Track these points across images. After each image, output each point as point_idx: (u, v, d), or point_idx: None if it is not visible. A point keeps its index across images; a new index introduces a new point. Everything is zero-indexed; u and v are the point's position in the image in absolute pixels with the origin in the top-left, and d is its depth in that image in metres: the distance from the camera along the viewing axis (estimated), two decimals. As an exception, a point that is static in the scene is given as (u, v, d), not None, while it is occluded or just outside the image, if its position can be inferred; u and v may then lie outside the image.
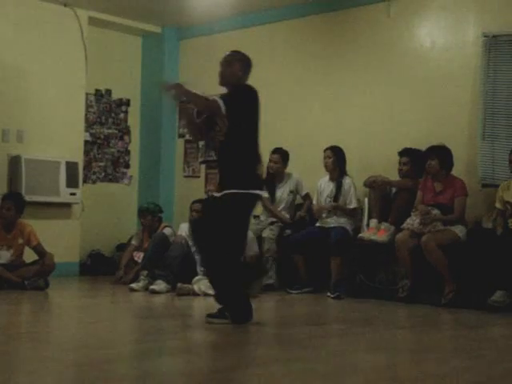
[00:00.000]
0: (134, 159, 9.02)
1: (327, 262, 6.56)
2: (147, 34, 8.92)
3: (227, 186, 4.56)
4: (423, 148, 6.47)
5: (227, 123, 4.54)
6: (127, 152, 8.99)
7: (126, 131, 8.99)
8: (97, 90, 8.70)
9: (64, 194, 7.86)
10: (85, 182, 8.40)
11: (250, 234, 6.82)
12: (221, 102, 4.57)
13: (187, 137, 8.83)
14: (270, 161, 7.22)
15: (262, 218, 7.29)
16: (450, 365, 3.65)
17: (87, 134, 8.53)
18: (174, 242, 6.90)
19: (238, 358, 3.73)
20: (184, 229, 7.13)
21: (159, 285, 6.52)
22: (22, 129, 7.70)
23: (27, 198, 7.14)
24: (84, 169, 8.33)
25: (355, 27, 7.44)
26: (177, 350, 3.91)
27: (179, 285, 6.39)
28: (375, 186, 6.60)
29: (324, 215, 6.85)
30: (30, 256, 6.89)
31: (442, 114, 6.80)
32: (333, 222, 6.79)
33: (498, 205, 5.98)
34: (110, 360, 3.53)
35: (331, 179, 6.94)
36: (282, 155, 7.23)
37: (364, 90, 7.35)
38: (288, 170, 7.33)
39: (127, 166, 8.98)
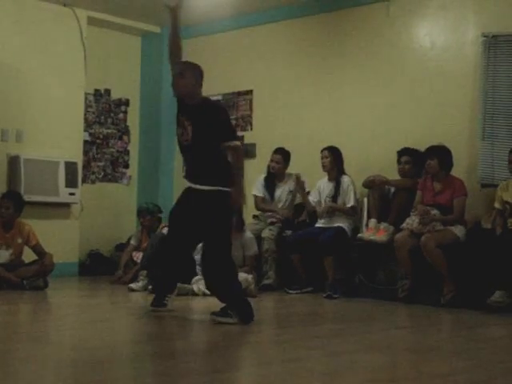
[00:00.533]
0: (133, 159, 9.01)
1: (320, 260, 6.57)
2: (146, 33, 8.92)
3: (211, 181, 4.80)
4: (422, 148, 6.47)
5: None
6: (126, 152, 8.98)
7: (125, 131, 8.98)
8: (96, 90, 8.70)
9: (63, 194, 7.86)
10: (84, 181, 8.39)
11: (250, 234, 6.83)
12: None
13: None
14: (272, 160, 7.24)
15: (261, 218, 7.29)
16: (450, 365, 3.65)
17: (86, 133, 8.52)
18: (173, 242, 6.89)
19: (238, 359, 3.73)
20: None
21: (158, 285, 6.51)
22: (21, 129, 7.69)
23: (26, 197, 7.13)
24: (83, 169, 8.33)
25: (354, 27, 7.44)
26: (176, 350, 3.91)
27: (178, 285, 6.36)
28: (374, 185, 6.60)
29: (325, 215, 6.84)
30: (29, 256, 6.88)
31: (441, 114, 6.79)
32: (331, 222, 6.79)
33: (497, 205, 5.98)
34: (109, 360, 3.53)
35: (330, 179, 6.94)
36: (283, 155, 7.24)
37: (363, 89, 7.35)
38: (288, 170, 7.33)
39: (126, 165, 8.97)
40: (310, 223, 7.03)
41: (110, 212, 8.71)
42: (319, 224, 6.86)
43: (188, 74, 5.00)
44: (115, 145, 8.89)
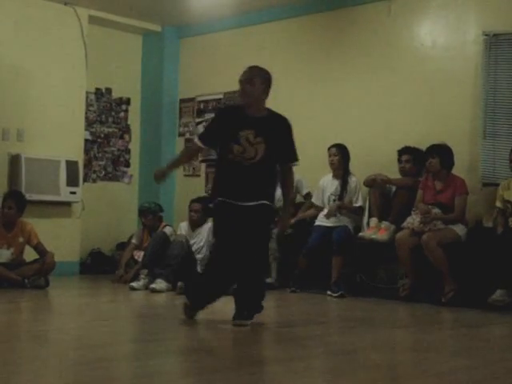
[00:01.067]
0: (135, 158, 9.01)
1: (328, 261, 6.55)
2: (147, 32, 8.91)
3: (262, 197, 4.54)
4: (423, 147, 6.47)
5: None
6: (127, 151, 8.98)
7: (126, 130, 8.98)
8: (97, 89, 8.70)
9: (64, 193, 7.86)
10: (85, 180, 8.39)
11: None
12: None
13: (187, 135, 8.84)
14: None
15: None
16: (450, 364, 3.65)
17: (87, 132, 8.52)
18: (174, 241, 6.90)
19: (240, 357, 3.73)
20: (184, 228, 7.13)
21: (159, 284, 6.52)
22: (22, 127, 7.69)
23: (27, 196, 7.13)
24: (84, 168, 8.33)
25: (356, 26, 7.43)
26: (177, 349, 3.91)
27: (179, 284, 6.39)
28: (375, 184, 6.60)
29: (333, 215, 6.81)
30: (30, 255, 6.88)
31: (442, 112, 6.79)
32: (335, 220, 6.77)
33: (498, 204, 5.97)
34: (110, 359, 3.53)
35: (335, 177, 6.92)
36: None
37: (364, 88, 7.34)
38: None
39: (127, 164, 8.97)
40: (310, 222, 7.02)
41: (111, 211, 8.71)
42: (324, 223, 6.80)
43: (257, 81, 4.55)
44: (116, 144, 8.89)
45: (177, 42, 8.97)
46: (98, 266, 8.25)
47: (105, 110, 8.79)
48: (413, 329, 4.99)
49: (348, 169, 6.90)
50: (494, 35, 6.45)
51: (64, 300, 6.31)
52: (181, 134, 8.91)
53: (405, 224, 6.21)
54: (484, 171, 6.44)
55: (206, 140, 4.67)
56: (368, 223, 6.57)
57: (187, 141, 8.82)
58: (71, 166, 7.90)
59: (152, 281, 6.62)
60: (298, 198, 7.33)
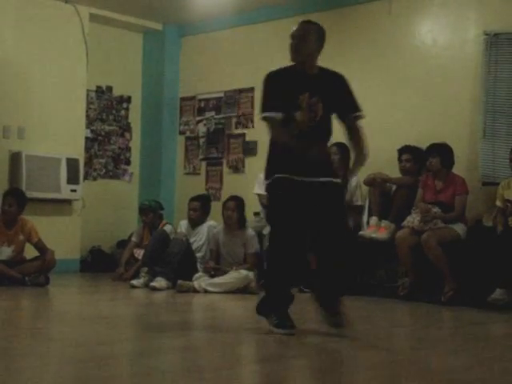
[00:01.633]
0: (135, 156, 9.02)
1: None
2: (148, 30, 8.92)
3: (332, 173, 4.28)
4: (423, 146, 6.47)
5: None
6: (128, 149, 8.99)
7: (127, 128, 8.99)
8: (98, 87, 8.70)
9: (65, 191, 7.87)
10: (85, 178, 8.40)
11: (251, 232, 6.83)
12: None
13: (188, 134, 8.84)
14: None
15: (263, 215, 7.29)
16: (450, 363, 3.65)
17: (88, 130, 8.53)
18: (174, 239, 6.91)
19: (238, 356, 3.74)
20: (184, 226, 7.14)
21: (159, 282, 6.53)
22: (22, 125, 7.70)
23: (28, 194, 7.14)
24: (85, 165, 8.34)
25: (356, 25, 7.44)
26: (177, 347, 3.92)
27: (179, 282, 6.40)
28: (375, 183, 6.60)
29: None
30: (30, 252, 6.89)
31: (442, 111, 6.80)
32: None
33: (498, 203, 5.98)
34: (110, 356, 3.53)
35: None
36: None
37: (365, 87, 7.31)
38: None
39: (128, 162, 8.98)
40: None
41: (111, 209, 8.72)
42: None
43: (312, 38, 4.24)
44: (117, 142, 8.90)
45: (178, 41, 8.97)
46: (99, 263, 8.26)
47: (105, 108, 8.80)
48: (412, 328, 5.00)
49: (348, 168, 6.88)
50: (495, 35, 6.45)
51: (64, 298, 6.32)
52: (181, 133, 8.92)
53: (405, 223, 6.22)
54: (484, 170, 6.44)
55: (276, 107, 4.13)
56: (368, 222, 6.58)
57: (188, 139, 8.83)
58: (72, 163, 7.91)
59: (152, 279, 6.63)
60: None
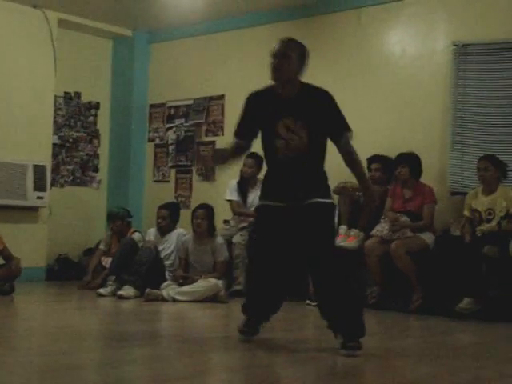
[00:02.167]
0: (103, 163, 8.95)
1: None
2: (118, 36, 8.86)
3: (316, 194, 4.01)
4: (393, 155, 6.51)
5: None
6: (96, 156, 8.91)
7: (95, 135, 8.92)
8: (66, 93, 8.62)
9: (31, 198, 7.77)
10: (53, 185, 8.30)
11: (220, 240, 6.80)
12: None
13: (157, 141, 8.80)
14: (244, 165, 7.18)
15: (232, 223, 7.27)
16: (418, 371, 3.66)
17: (55, 136, 8.44)
18: (142, 247, 6.86)
19: (206, 365, 3.71)
20: (152, 234, 7.09)
21: (127, 290, 6.47)
22: (-12, 131, 7.61)
23: (-7, 201, 7.05)
24: (52, 172, 8.24)
25: (325, 34, 7.46)
26: (145, 356, 3.88)
27: (148, 290, 6.34)
28: (345, 192, 6.62)
29: None
30: (-5, 260, 6.79)
31: (411, 121, 6.84)
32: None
33: (466, 212, 6.02)
34: (75, 366, 3.49)
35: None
36: (256, 160, 7.19)
37: (334, 96, 7.35)
38: (261, 175, 7.32)
39: (96, 169, 8.90)
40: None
41: (79, 216, 8.63)
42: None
43: (294, 56, 3.99)
44: (85, 148, 8.82)
45: (147, 47, 8.93)
46: (66, 271, 8.17)
47: (74, 115, 8.72)
48: (380, 336, 5.00)
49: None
50: (463, 45, 6.52)
51: (29, 306, 6.23)
52: (150, 140, 8.87)
53: (374, 232, 6.24)
54: (452, 180, 6.50)
55: (239, 134, 4.12)
56: (337, 230, 6.58)
57: (157, 146, 8.80)
58: (39, 170, 7.82)
59: (120, 287, 6.57)
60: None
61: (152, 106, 8.90)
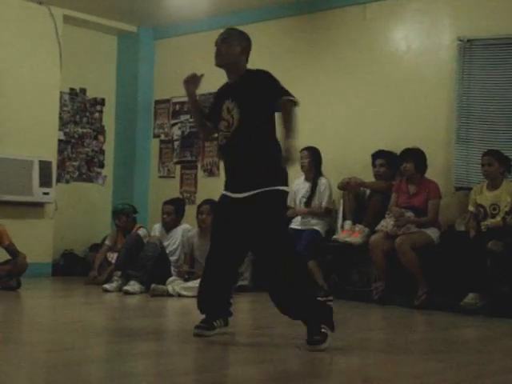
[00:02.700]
0: (109, 159, 8.96)
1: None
2: (123, 33, 8.87)
3: (260, 183, 3.99)
4: (397, 151, 6.51)
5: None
6: (101, 152, 8.93)
7: (101, 131, 8.93)
8: (71, 89, 8.64)
9: (37, 194, 7.79)
10: (58, 181, 8.33)
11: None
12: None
13: (162, 137, 8.81)
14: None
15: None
16: (423, 366, 3.67)
17: (61, 133, 8.47)
18: (147, 243, 6.87)
19: (211, 360, 3.72)
20: (158, 230, 7.11)
21: (133, 286, 6.49)
22: (-5, 127, 7.63)
23: None
24: (58, 168, 8.27)
25: (331, 30, 7.46)
26: (149, 351, 3.89)
27: (153, 286, 6.36)
28: (349, 187, 6.63)
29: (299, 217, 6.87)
30: (2, 256, 6.81)
31: (416, 117, 6.84)
32: (305, 223, 6.81)
33: (471, 208, 6.02)
34: (82, 361, 3.50)
35: (307, 179, 6.96)
36: None
37: (339, 92, 7.37)
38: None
39: (101, 165, 8.92)
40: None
41: (84, 212, 8.65)
42: (294, 225, 6.84)
43: (234, 42, 4.16)
44: (90, 144, 8.84)
45: (152, 43, 8.94)
46: (71, 267, 8.19)
47: (79, 111, 8.73)
48: (385, 331, 5.02)
49: (319, 171, 6.92)
50: (468, 41, 6.51)
51: (36, 302, 6.25)
52: (156, 136, 8.88)
53: (378, 227, 6.25)
54: (457, 175, 6.49)
55: (208, 116, 4.38)
56: (342, 226, 6.60)
57: (162, 142, 8.82)
58: (44, 166, 7.84)
59: (125, 283, 6.59)
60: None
61: (157, 101, 8.91)
